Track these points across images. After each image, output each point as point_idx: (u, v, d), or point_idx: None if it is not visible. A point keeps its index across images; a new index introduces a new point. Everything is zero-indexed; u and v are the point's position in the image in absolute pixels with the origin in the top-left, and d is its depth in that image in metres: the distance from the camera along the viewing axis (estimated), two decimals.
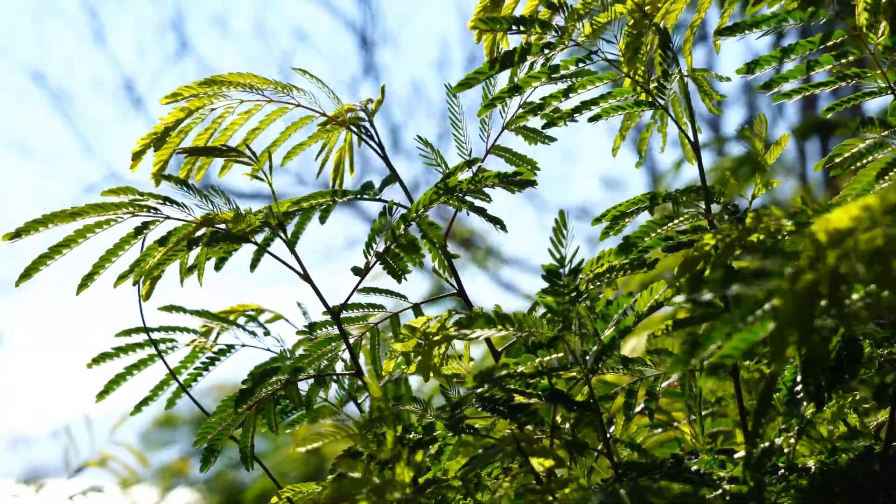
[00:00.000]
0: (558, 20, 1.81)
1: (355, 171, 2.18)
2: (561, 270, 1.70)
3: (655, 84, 1.86)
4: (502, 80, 1.94)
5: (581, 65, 1.82)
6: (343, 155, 2.15)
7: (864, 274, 1.06)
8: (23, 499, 4.26)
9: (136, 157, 1.99)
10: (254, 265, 2.03)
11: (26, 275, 1.84)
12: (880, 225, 1.05)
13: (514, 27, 1.78)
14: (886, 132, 1.72)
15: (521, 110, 2.01)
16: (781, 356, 1.07)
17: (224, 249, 1.99)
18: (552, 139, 2.06)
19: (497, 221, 2.02)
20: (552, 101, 1.88)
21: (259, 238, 1.99)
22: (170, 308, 2.10)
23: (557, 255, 1.71)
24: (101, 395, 2.12)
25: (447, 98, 1.99)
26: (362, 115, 2.08)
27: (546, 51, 1.80)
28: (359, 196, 2.10)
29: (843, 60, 1.70)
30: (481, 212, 2.01)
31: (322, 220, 2.14)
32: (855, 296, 1.13)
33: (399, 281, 2.03)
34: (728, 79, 1.92)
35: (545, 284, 1.71)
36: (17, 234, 1.83)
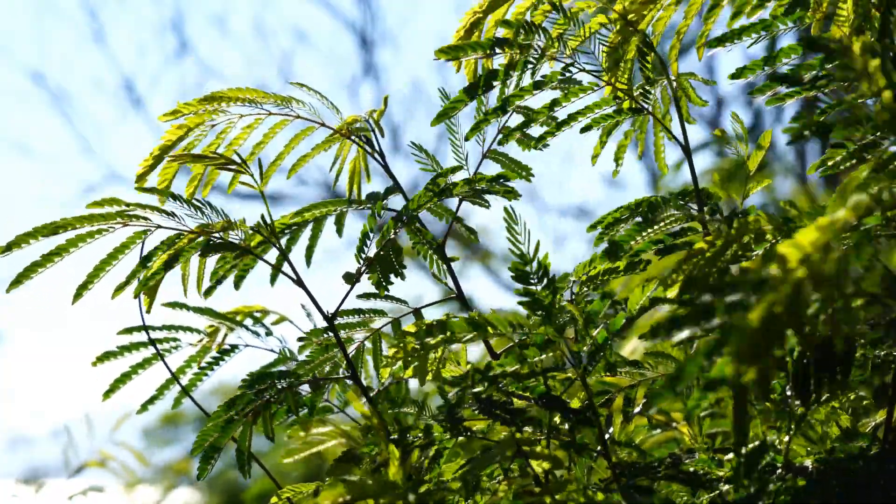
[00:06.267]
0: (537, 40, 1.83)
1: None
2: (527, 268, 1.69)
3: (640, 91, 1.88)
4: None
5: (561, 78, 1.85)
6: (357, 164, 2.18)
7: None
8: (23, 499, 4.27)
9: (141, 178, 2.02)
10: (273, 279, 2.08)
11: (17, 282, 1.89)
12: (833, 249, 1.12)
13: (488, 51, 1.81)
14: (876, 133, 1.73)
15: (512, 120, 2.01)
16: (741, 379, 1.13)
17: (241, 267, 2.04)
18: (545, 145, 2.06)
19: (472, 231, 2.08)
20: (538, 116, 1.90)
21: (271, 250, 2.03)
22: (174, 305, 2.11)
23: (518, 252, 1.69)
24: (107, 393, 2.14)
25: (442, 103, 1.99)
26: (365, 125, 2.11)
27: (512, 72, 1.82)
28: (366, 206, 2.11)
29: (829, 65, 1.72)
30: (458, 220, 2.06)
31: (339, 231, 2.19)
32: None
33: (382, 291, 2.04)
34: (714, 82, 1.94)
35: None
36: (8, 248, 1.87)
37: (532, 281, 1.68)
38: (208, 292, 2.04)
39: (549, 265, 1.69)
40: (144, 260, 1.92)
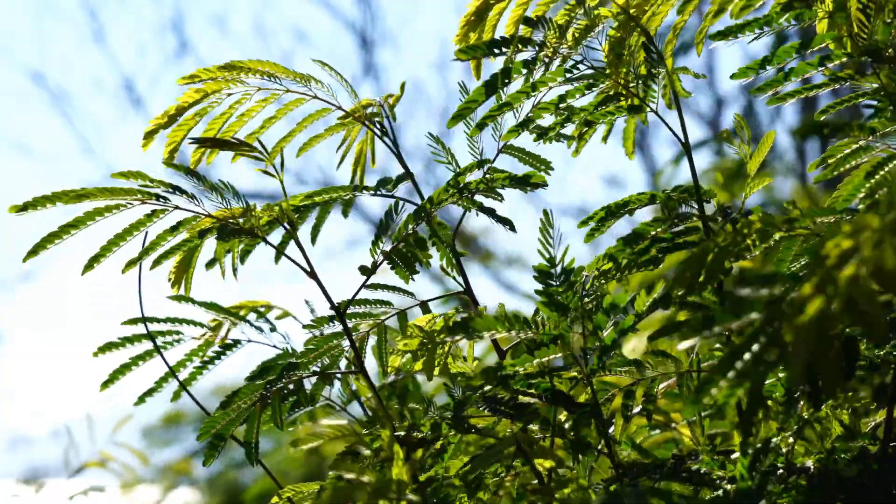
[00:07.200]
0: (538, 35, 1.83)
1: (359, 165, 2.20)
2: (552, 270, 1.71)
3: (641, 87, 1.88)
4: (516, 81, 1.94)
5: (568, 75, 1.85)
6: (364, 148, 2.16)
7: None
8: (23, 499, 4.26)
9: (149, 136, 1.98)
10: (277, 258, 2.06)
11: (34, 251, 1.86)
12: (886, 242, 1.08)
13: (494, 50, 1.82)
14: (872, 136, 1.74)
15: (530, 112, 2.00)
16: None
17: (247, 244, 2.02)
18: (564, 136, 2.04)
19: (506, 221, 2.03)
20: (542, 112, 1.90)
21: (276, 234, 2.02)
22: (179, 298, 2.08)
23: (547, 255, 1.71)
24: (106, 384, 2.10)
25: (461, 96, 1.98)
26: (379, 110, 2.10)
27: (525, 70, 1.83)
28: (376, 191, 2.11)
29: (830, 64, 1.73)
30: (491, 212, 2.02)
31: (344, 213, 2.18)
32: None
33: (407, 281, 2.04)
34: (704, 76, 1.94)
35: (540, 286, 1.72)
36: (25, 208, 1.84)
37: (553, 283, 1.70)
38: (243, 259, 2.04)
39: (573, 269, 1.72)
40: (162, 236, 1.91)
